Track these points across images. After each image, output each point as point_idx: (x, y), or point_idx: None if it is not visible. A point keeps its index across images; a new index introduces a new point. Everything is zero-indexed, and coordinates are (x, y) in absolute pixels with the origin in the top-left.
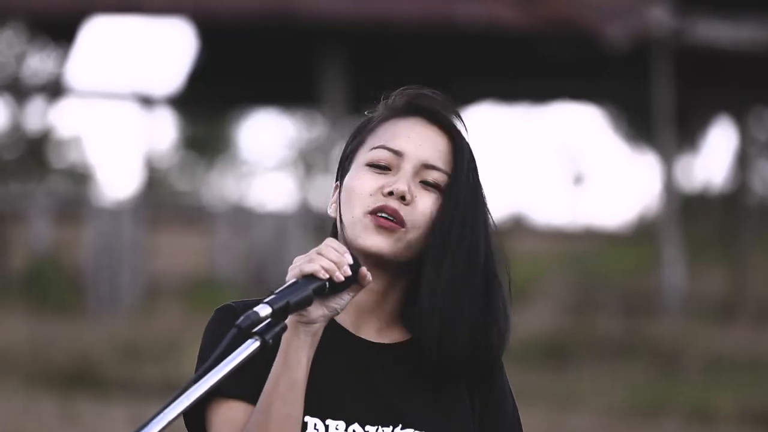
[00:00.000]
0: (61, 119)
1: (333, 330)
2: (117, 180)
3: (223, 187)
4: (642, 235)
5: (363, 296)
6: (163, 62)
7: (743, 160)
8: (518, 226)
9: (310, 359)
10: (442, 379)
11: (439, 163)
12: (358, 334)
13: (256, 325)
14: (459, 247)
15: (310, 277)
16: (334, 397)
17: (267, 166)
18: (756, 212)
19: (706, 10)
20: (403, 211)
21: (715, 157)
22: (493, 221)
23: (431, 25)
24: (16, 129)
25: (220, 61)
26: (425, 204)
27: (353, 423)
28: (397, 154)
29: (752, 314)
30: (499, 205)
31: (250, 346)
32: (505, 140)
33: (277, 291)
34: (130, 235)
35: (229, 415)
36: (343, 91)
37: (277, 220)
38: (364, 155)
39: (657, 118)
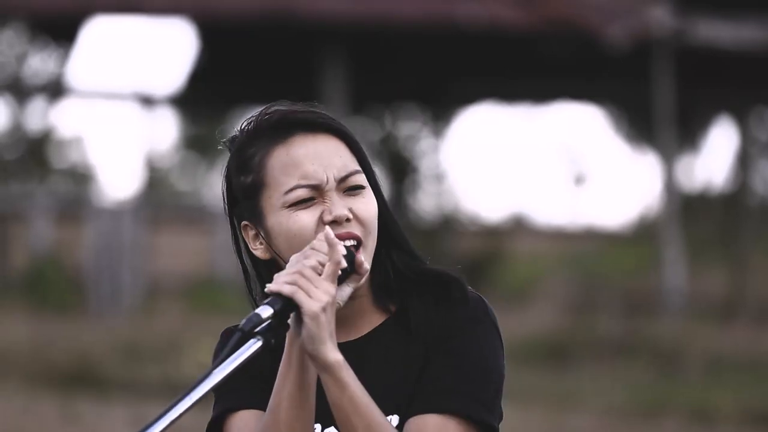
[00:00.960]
0: (62, 119)
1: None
2: (118, 180)
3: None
4: (642, 235)
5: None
6: (163, 62)
7: (744, 160)
8: (519, 226)
9: None
10: (415, 350)
11: (349, 167)
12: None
13: (257, 327)
14: (393, 225)
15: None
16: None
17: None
18: (756, 212)
19: (706, 11)
20: (353, 228)
21: (715, 157)
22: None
23: (431, 25)
24: (16, 129)
25: (220, 61)
26: (362, 209)
27: (329, 426)
28: (314, 187)
29: (753, 314)
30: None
31: (253, 345)
32: (505, 140)
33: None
34: (131, 235)
35: (241, 423)
36: (343, 91)
37: None
38: (279, 199)
39: (658, 118)
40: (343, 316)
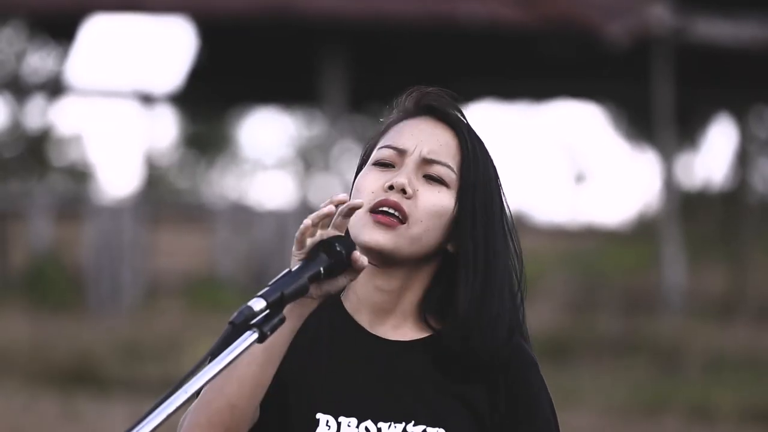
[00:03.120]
0: (61, 117)
1: (348, 328)
2: (117, 178)
3: (224, 185)
4: (642, 233)
5: (378, 295)
6: (163, 60)
7: (743, 158)
8: (519, 224)
9: (294, 330)
10: (462, 377)
11: (442, 157)
12: (373, 332)
13: (250, 320)
14: (486, 248)
15: (307, 264)
16: (346, 394)
17: (267, 164)
18: (756, 210)
19: (706, 9)
20: (405, 204)
21: (715, 155)
22: (510, 216)
23: (432, 23)
24: (16, 127)
25: (220, 59)
26: (427, 198)
27: (366, 420)
28: (400, 151)
29: (753, 312)
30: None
31: (248, 338)
32: (505, 139)
33: (271, 282)
34: (131, 234)
35: None
36: (343, 89)
37: (278, 218)
38: (373, 155)
39: (657, 116)
40: (383, 312)
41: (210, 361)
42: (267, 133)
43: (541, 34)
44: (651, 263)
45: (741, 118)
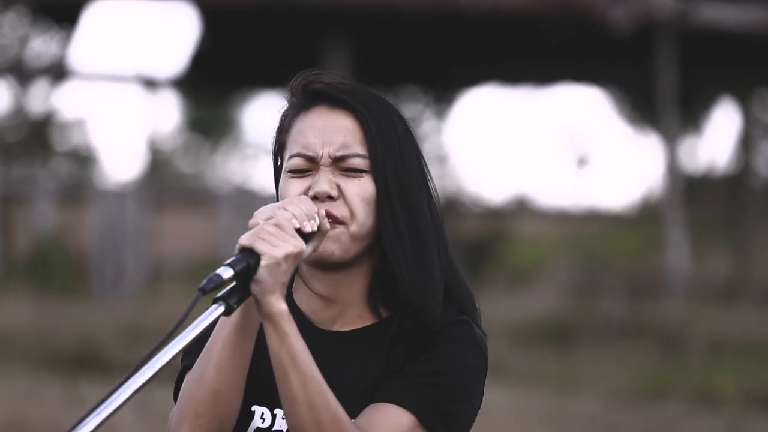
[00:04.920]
0: (65, 102)
1: (293, 316)
2: (121, 162)
3: (227, 169)
4: (646, 217)
5: (325, 288)
6: (166, 45)
7: (747, 142)
8: (522, 208)
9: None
10: (397, 360)
11: (352, 148)
12: (319, 323)
13: (219, 289)
14: (408, 221)
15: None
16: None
17: (270, 149)
18: (760, 194)
19: None
20: (334, 208)
21: (718, 138)
22: (433, 182)
23: (435, 8)
24: (19, 112)
25: (223, 44)
26: (353, 191)
27: None
28: (309, 158)
29: (756, 296)
30: (503, 187)
31: (215, 311)
32: (508, 122)
33: (235, 254)
34: (134, 218)
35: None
36: (347, 74)
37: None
38: (286, 162)
39: (661, 100)
40: (333, 303)
41: (177, 333)
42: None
43: (543, 18)
44: (654, 247)
45: (744, 101)
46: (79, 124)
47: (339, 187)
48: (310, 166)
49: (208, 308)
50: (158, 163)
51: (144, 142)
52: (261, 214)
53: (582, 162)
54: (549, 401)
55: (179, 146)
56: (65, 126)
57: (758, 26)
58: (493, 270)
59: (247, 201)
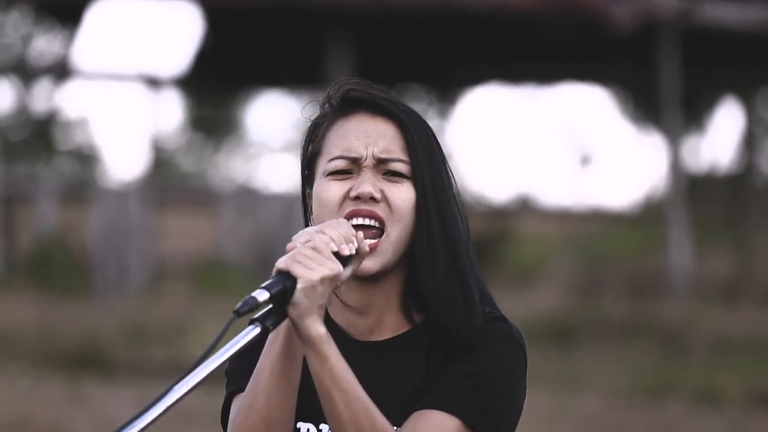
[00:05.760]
0: (68, 101)
1: (328, 330)
2: (123, 161)
3: (230, 168)
4: (648, 216)
5: (359, 299)
6: (169, 44)
7: (750, 141)
8: (525, 207)
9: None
10: (442, 363)
11: (395, 153)
12: (353, 333)
13: (254, 311)
14: (443, 232)
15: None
16: (310, 399)
17: (273, 148)
18: (762, 193)
19: None
20: (378, 209)
21: (721, 138)
22: (459, 196)
23: (438, 8)
24: (22, 111)
25: (226, 43)
26: (396, 196)
27: (321, 423)
28: (353, 159)
29: (758, 296)
30: (506, 187)
31: (251, 332)
32: (511, 121)
33: (272, 277)
34: (137, 217)
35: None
36: (348, 73)
37: (284, 201)
38: (324, 166)
39: (663, 99)
40: (368, 313)
41: (212, 353)
42: (273, 117)
43: (546, 17)
44: (657, 246)
45: (747, 100)
46: (82, 123)
47: (382, 192)
48: (352, 167)
49: (244, 329)
50: (161, 162)
51: (147, 141)
52: (299, 237)
53: (584, 161)
54: (550, 400)
55: (182, 145)
56: (68, 125)
57: (760, 25)
58: (495, 269)
59: (250, 200)
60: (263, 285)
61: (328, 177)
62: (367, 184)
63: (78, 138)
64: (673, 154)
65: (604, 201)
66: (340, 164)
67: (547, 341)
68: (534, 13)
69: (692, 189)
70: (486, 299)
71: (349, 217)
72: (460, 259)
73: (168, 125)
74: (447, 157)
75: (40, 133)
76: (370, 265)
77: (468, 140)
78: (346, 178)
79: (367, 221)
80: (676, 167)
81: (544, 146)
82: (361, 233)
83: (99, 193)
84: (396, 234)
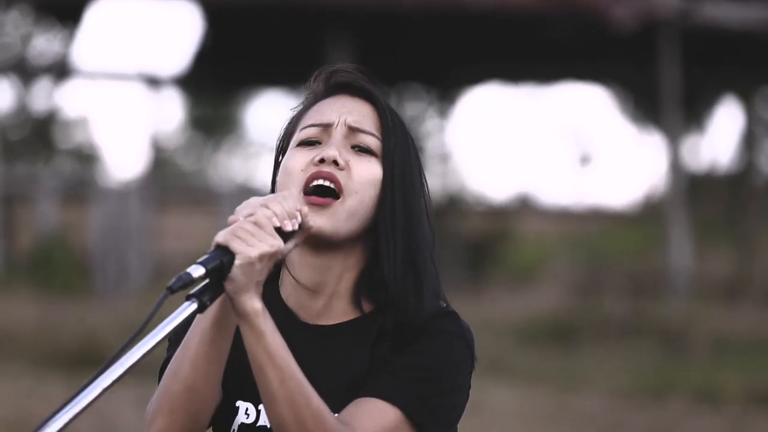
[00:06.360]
0: (68, 100)
1: (278, 312)
2: (123, 161)
3: (230, 167)
4: (648, 215)
5: (312, 279)
6: (169, 43)
7: (750, 140)
8: (525, 206)
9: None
10: (382, 354)
11: (367, 126)
12: (303, 316)
13: (189, 287)
14: (406, 215)
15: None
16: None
17: (273, 147)
18: (762, 192)
19: None
20: (339, 175)
21: (721, 137)
22: (430, 204)
23: (439, 7)
24: (22, 110)
25: (226, 42)
26: (361, 168)
27: None
28: (325, 126)
29: (759, 295)
30: (506, 186)
31: (187, 308)
32: (511, 121)
33: (209, 251)
34: (137, 217)
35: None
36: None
37: None
38: (296, 136)
39: (663, 98)
40: (319, 295)
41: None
42: (273, 116)
43: (547, 17)
44: (657, 246)
45: (747, 100)
46: (82, 122)
47: (347, 162)
48: (322, 136)
49: (181, 305)
50: (161, 161)
51: (147, 141)
52: (243, 209)
53: (585, 160)
54: (551, 399)
55: (182, 144)
56: (68, 124)
57: (761, 25)
58: (495, 268)
59: None
60: (199, 260)
61: (297, 147)
62: (333, 148)
63: (78, 137)
64: (673, 154)
65: (604, 200)
66: (310, 132)
67: (548, 341)
68: (534, 12)
69: (692, 188)
70: (441, 299)
71: (310, 181)
72: (420, 253)
73: (168, 124)
74: (421, 163)
75: (40, 133)
76: (321, 222)
77: (468, 139)
78: (315, 148)
79: (327, 183)
80: (676, 167)
81: (544, 145)
82: (306, 208)
83: (99, 193)
84: (352, 203)
